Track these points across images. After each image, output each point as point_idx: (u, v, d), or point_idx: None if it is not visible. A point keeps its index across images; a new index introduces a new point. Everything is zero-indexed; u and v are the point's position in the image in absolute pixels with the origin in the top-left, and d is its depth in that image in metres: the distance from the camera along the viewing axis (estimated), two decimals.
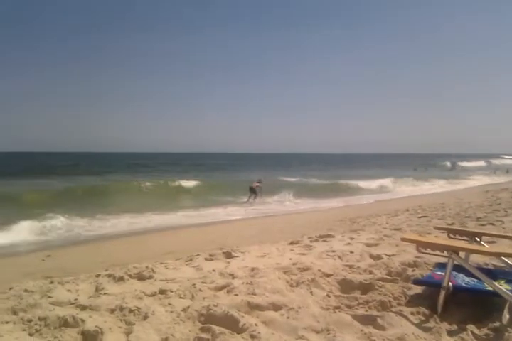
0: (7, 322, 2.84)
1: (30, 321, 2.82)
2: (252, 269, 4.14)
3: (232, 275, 3.97)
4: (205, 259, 5.06)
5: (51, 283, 3.99)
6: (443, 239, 3.67)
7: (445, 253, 2.81)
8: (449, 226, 5.57)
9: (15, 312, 3.06)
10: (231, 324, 2.69)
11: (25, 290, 3.74)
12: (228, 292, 3.40)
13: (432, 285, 3.05)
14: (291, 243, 6.07)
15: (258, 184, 19.72)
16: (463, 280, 3.03)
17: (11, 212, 13.10)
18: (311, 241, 6.20)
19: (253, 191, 19.28)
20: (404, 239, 3.07)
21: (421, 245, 2.89)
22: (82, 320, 2.75)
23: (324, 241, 6.13)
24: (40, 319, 2.82)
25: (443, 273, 2.88)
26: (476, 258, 3.78)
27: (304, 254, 4.97)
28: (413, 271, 3.75)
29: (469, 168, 58.04)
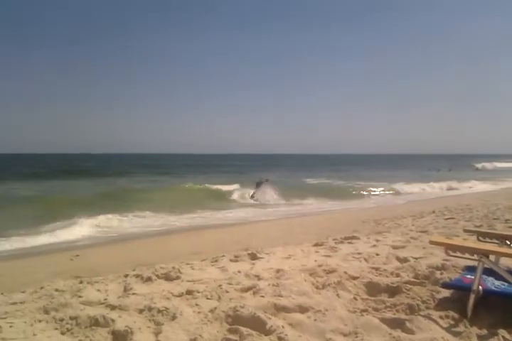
0: (40, 321, 2.92)
1: (61, 320, 2.90)
2: (278, 271, 4.15)
3: (258, 277, 3.98)
4: (230, 260, 5.09)
5: (81, 282, 4.09)
6: (472, 242, 3.61)
7: (475, 257, 2.77)
8: (478, 229, 5.46)
9: (47, 312, 3.14)
10: (258, 325, 2.70)
11: (56, 290, 3.84)
12: (254, 293, 3.42)
13: (461, 289, 3.00)
14: (316, 244, 6.06)
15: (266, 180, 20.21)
16: (493, 283, 2.98)
17: (67, 211, 13.65)
18: (335, 242, 6.18)
19: (259, 186, 19.65)
20: (432, 242, 3.03)
21: (450, 248, 2.86)
22: (113, 320, 2.81)
23: (349, 242, 6.10)
24: (71, 318, 2.90)
25: (472, 277, 2.83)
26: (506, 261, 3.71)
27: (329, 256, 4.96)
28: (441, 274, 3.70)
29: (504, 168, 55.96)
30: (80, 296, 3.49)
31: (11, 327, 2.77)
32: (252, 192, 19.74)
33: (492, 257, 2.86)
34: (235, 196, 20.52)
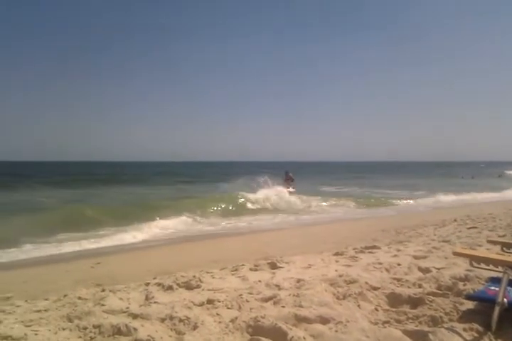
0: (64, 329, 2.96)
1: (85, 328, 2.93)
2: (298, 280, 4.14)
3: (278, 287, 3.98)
4: (250, 269, 5.10)
5: (103, 291, 4.13)
6: (497, 253, 3.55)
7: (499, 268, 2.73)
8: (503, 240, 5.36)
9: (70, 320, 3.19)
10: (279, 336, 2.70)
11: (79, 298, 3.89)
12: (275, 303, 3.41)
13: (485, 301, 2.95)
14: (336, 254, 6.03)
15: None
16: None
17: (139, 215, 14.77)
18: (356, 252, 6.14)
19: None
20: (456, 253, 3.00)
21: (474, 259, 2.82)
22: (135, 329, 2.84)
23: (370, 252, 6.05)
24: (94, 327, 2.93)
25: (497, 288, 2.79)
26: None
27: (349, 266, 4.93)
28: (464, 285, 3.64)
29: None
30: (102, 305, 3.53)
31: (36, 335, 2.81)
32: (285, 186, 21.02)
33: None
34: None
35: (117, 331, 2.85)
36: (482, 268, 2.86)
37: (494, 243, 4.47)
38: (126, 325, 2.88)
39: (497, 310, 2.70)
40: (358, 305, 3.32)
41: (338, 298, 3.53)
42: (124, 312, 3.33)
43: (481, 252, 3.62)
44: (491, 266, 2.77)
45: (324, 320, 3.00)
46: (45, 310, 3.56)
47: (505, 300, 2.72)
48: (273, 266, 5.16)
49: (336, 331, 2.81)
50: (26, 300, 4.18)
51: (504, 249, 3.51)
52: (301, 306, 3.28)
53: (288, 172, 24.37)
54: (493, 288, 3.04)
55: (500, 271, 2.73)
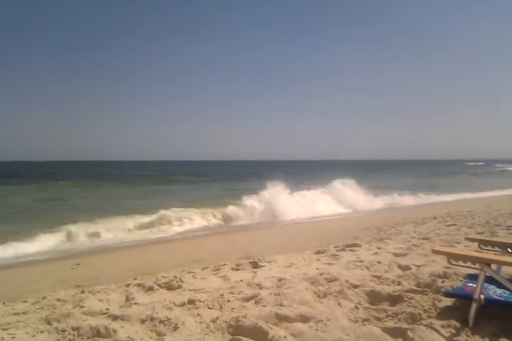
0: (42, 332, 2.93)
1: (64, 331, 2.90)
2: (280, 279, 4.15)
3: (260, 286, 3.98)
4: (232, 269, 5.09)
5: (82, 292, 4.09)
6: (474, 251, 3.61)
7: (476, 266, 2.77)
8: (480, 237, 5.45)
9: (49, 322, 3.15)
10: (260, 336, 2.70)
11: (58, 300, 3.84)
12: (256, 303, 3.42)
13: (463, 298, 3.00)
14: (318, 252, 6.06)
15: None
16: (495, 292, 2.97)
17: None
18: (337, 250, 6.17)
19: None
20: (434, 251, 3.03)
21: (452, 257, 2.86)
22: (114, 331, 2.81)
23: (351, 250, 6.09)
24: (73, 329, 2.90)
25: (474, 285, 2.83)
26: (508, 269, 3.70)
27: (330, 264, 4.95)
28: (443, 282, 3.68)
29: None
30: (81, 306, 3.50)
31: (13, 338, 2.77)
32: None
33: (494, 266, 2.86)
34: None
35: (96, 333, 2.82)
36: (460, 266, 2.90)
37: (472, 240, 4.53)
38: (106, 327, 2.85)
39: (474, 306, 2.74)
40: (339, 304, 3.33)
41: (318, 297, 3.55)
42: (104, 313, 3.30)
43: (459, 250, 3.67)
44: (469, 264, 2.81)
45: (305, 319, 3.01)
46: (23, 313, 3.50)
47: (482, 296, 2.76)
48: (255, 265, 5.16)
49: (317, 329, 2.82)
50: (4, 303, 4.10)
51: (481, 246, 3.57)
52: (282, 305, 3.28)
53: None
54: (470, 284, 3.09)
55: (477, 268, 2.77)
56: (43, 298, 4.03)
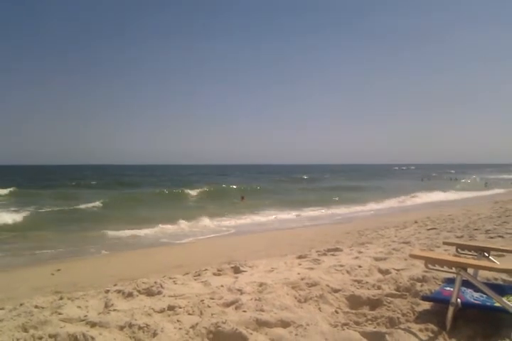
0: (18, 340, 2.85)
1: (40, 338, 2.83)
2: (260, 284, 4.13)
3: (241, 291, 3.96)
4: (214, 274, 5.07)
5: (61, 299, 4.02)
6: (451, 255, 3.65)
7: (453, 270, 2.80)
8: (458, 241, 5.52)
9: (25, 330, 3.08)
10: None
11: (36, 307, 3.76)
12: (236, 308, 3.40)
13: (440, 302, 3.03)
14: (300, 257, 6.07)
15: None
16: (472, 296, 3.01)
17: None
18: (319, 254, 6.20)
19: None
20: (412, 256, 3.06)
21: (429, 261, 2.89)
22: (92, 338, 2.77)
23: (332, 254, 6.12)
24: (50, 336, 2.84)
25: (452, 289, 2.86)
26: (485, 273, 3.75)
27: (312, 269, 4.96)
28: (421, 286, 3.72)
29: None
30: (59, 313, 3.43)
31: None
32: None
33: (470, 270, 2.90)
34: None
35: (74, 340, 2.78)
36: (437, 270, 2.93)
37: (450, 244, 4.58)
38: (84, 334, 2.80)
39: (451, 310, 2.77)
40: (319, 308, 3.34)
41: (299, 301, 3.55)
42: (82, 320, 3.25)
43: (436, 254, 3.71)
44: (446, 268, 2.84)
45: (285, 324, 3.01)
46: None
47: (459, 300, 2.79)
48: (236, 270, 5.15)
49: (296, 334, 2.82)
50: None
51: (459, 250, 3.61)
52: (262, 310, 3.27)
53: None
54: (448, 288, 3.12)
55: (454, 273, 2.80)
56: (21, 304, 3.95)
